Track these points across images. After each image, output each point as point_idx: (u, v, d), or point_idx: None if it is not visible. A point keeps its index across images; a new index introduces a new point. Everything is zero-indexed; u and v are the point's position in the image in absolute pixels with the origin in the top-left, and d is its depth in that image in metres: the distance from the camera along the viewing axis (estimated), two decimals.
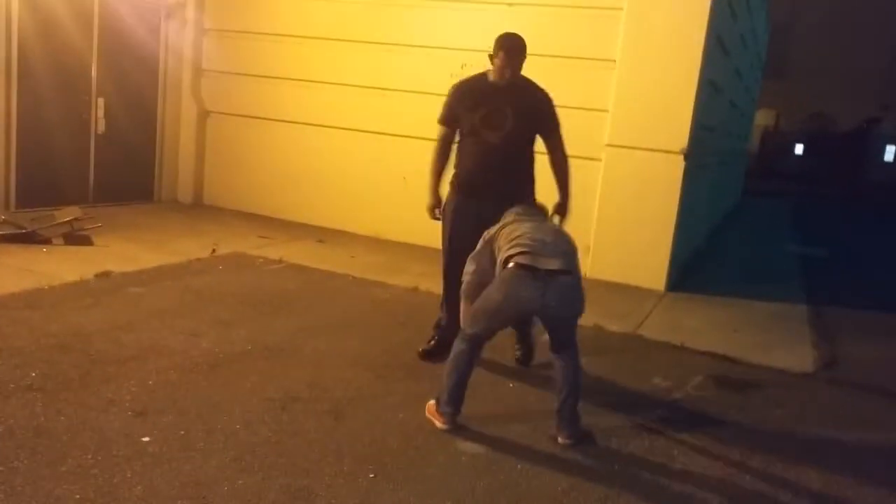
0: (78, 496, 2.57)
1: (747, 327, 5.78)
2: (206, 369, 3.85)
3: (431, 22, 7.41)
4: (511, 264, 3.25)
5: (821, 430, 3.94)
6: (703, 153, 7.58)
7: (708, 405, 4.10)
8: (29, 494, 2.54)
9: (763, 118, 28.02)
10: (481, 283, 3.46)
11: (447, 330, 4.20)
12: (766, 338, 5.56)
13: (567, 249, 3.39)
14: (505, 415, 3.71)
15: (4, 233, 5.88)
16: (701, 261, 8.41)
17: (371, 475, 2.95)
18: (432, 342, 4.34)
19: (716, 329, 5.64)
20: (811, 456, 3.56)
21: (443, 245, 4.28)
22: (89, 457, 2.83)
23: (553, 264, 3.23)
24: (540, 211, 3.88)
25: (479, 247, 3.59)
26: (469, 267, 3.56)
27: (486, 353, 3.78)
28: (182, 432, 3.12)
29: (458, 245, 3.99)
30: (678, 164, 6.54)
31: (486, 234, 3.59)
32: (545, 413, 3.55)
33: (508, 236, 3.39)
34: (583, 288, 3.41)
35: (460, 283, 3.71)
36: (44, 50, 6.95)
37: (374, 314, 5.19)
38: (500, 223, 3.58)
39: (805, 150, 31.15)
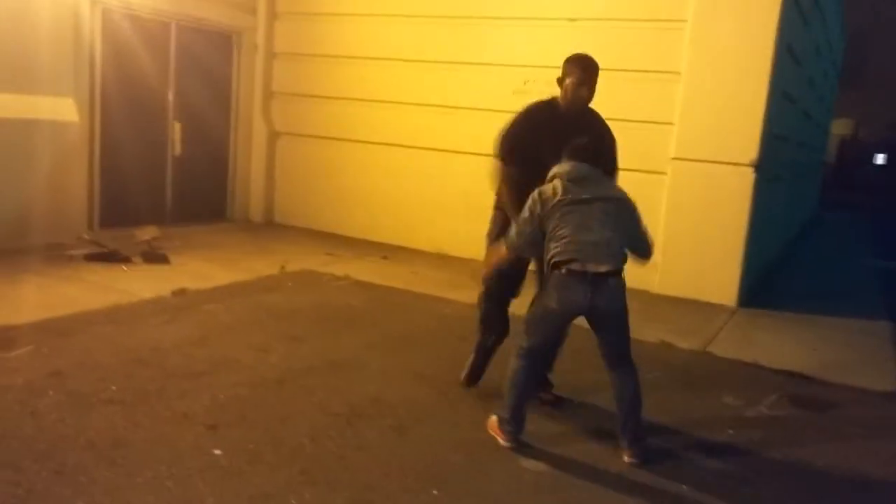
0: None
1: (825, 344, 5.56)
2: (274, 384, 3.94)
3: (494, 39, 7.45)
4: (561, 270, 3.25)
5: None
6: (774, 165, 7.37)
7: (783, 425, 3.96)
8: None
9: (840, 128, 26.97)
10: (533, 243, 3.42)
11: (482, 347, 4.09)
12: (846, 355, 5.34)
13: (613, 251, 3.29)
14: (569, 433, 3.67)
15: (89, 251, 6.18)
16: (775, 276, 8.14)
17: (434, 491, 2.96)
18: (468, 368, 4.12)
19: (791, 346, 5.45)
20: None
21: (487, 276, 3.95)
22: (164, 468, 2.94)
23: (602, 267, 3.22)
24: (592, 164, 3.42)
25: (527, 213, 3.37)
26: (525, 227, 3.40)
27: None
28: (251, 446, 3.20)
29: (506, 282, 3.85)
30: (748, 176, 6.37)
31: (536, 203, 3.34)
32: (609, 431, 3.49)
33: (556, 230, 3.29)
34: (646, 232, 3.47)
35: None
36: (124, 77, 7.31)
37: (437, 330, 5.22)
38: (553, 195, 3.31)
39: (887, 160, 29.78)
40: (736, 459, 3.47)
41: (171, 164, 7.97)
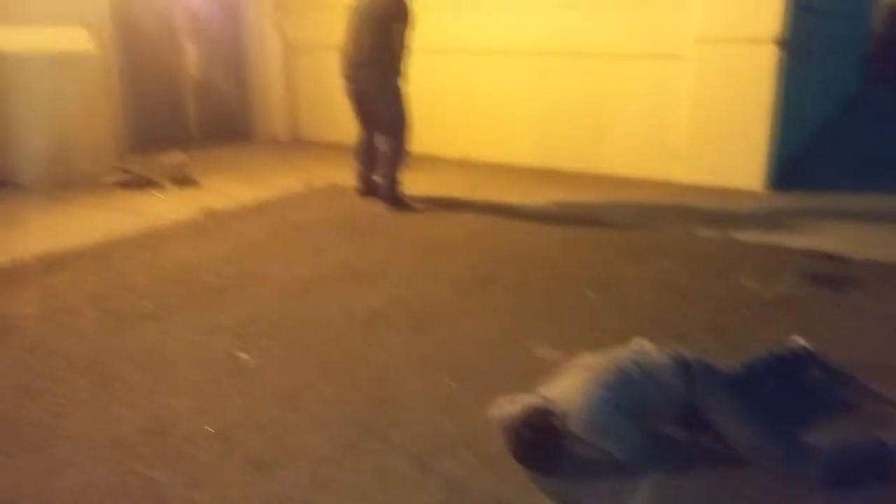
0: (187, 407, 2.88)
1: (854, 222, 5.48)
2: (300, 293, 4.11)
3: None
4: None
5: None
6: (804, 39, 7.05)
7: (801, 304, 3.98)
8: (144, 406, 2.88)
9: None
10: None
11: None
12: (871, 231, 5.26)
13: None
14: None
15: (120, 179, 6.37)
16: (808, 157, 7.93)
17: (447, 380, 3.12)
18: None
19: (815, 226, 5.39)
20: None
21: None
22: (194, 373, 3.15)
23: None
24: None
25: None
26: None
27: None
28: (277, 351, 3.39)
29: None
30: (771, 55, 6.13)
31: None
32: None
33: None
34: None
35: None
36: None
37: (458, 233, 5.30)
38: None
39: None
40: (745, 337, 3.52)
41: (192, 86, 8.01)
